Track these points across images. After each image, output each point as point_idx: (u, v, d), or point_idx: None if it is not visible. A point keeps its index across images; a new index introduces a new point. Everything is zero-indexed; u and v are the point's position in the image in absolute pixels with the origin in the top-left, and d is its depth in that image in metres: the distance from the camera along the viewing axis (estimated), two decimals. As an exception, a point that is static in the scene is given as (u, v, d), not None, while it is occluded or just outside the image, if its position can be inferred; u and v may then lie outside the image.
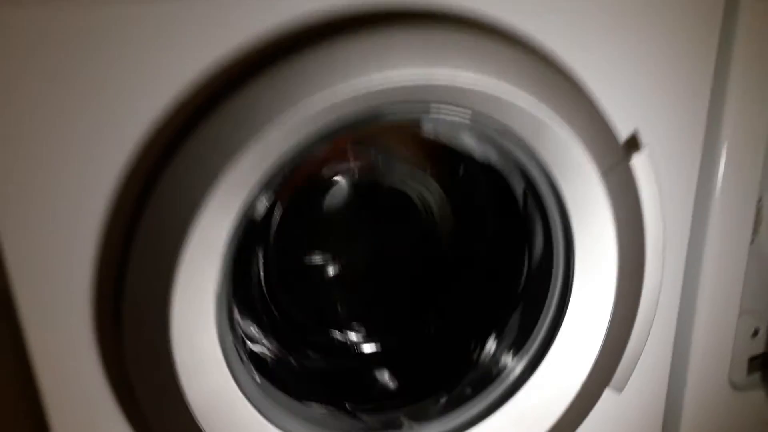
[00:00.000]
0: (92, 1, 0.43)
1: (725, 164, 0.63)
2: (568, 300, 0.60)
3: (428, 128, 0.56)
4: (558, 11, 0.53)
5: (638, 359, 0.63)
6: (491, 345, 0.64)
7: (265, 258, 0.68)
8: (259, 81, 0.45)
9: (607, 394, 0.63)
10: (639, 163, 0.57)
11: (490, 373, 0.62)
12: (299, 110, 0.46)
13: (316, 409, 0.63)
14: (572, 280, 0.59)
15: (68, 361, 0.50)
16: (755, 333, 0.71)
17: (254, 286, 0.68)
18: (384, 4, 0.48)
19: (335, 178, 0.68)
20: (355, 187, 0.69)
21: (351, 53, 0.46)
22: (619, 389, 0.63)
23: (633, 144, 0.58)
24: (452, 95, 0.50)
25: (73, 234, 0.47)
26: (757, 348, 0.72)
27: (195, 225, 0.47)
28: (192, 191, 0.46)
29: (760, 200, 0.66)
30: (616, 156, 0.55)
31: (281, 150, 0.48)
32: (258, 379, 0.59)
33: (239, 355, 0.58)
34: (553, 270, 0.60)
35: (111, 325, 0.50)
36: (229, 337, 0.55)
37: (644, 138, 0.59)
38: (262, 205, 0.57)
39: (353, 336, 0.72)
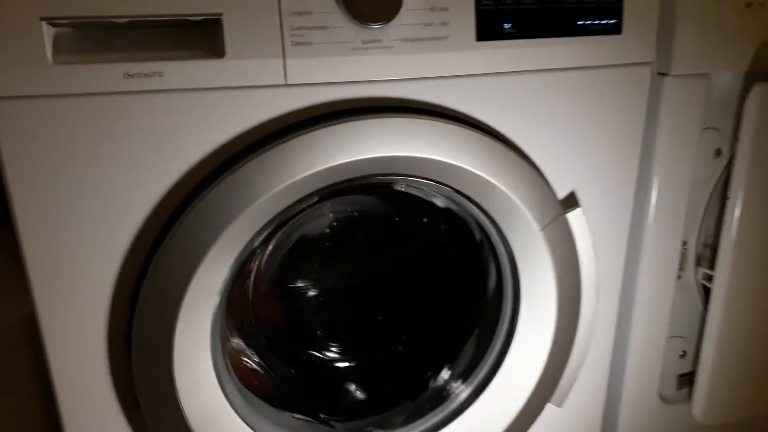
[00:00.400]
0: (119, 96, 0.54)
1: (654, 214, 0.74)
2: (515, 330, 0.71)
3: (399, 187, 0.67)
4: (504, 97, 0.63)
5: (576, 378, 0.74)
6: (445, 372, 0.75)
7: (252, 288, 0.79)
8: (252, 163, 0.56)
9: (549, 409, 0.74)
10: (574, 218, 0.67)
11: (442, 394, 0.74)
12: (285, 189, 0.57)
13: (295, 419, 0.75)
14: (519, 314, 0.70)
15: (83, 378, 0.61)
16: (683, 354, 0.83)
17: (244, 311, 0.79)
18: (358, 98, 0.59)
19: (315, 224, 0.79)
20: (333, 228, 0.80)
21: (330, 140, 0.57)
22: (559, 404, 0.74)
23: (570, 202, 0.69)
24: (416, 169, 0.61)
25: (95, 275, 0.58)
26: (686, 367, 0.83)
27: (195, 275, 0.58)
28: (194, 249, 0.57)
29: (684, 243, 0.77)
30: (554, 213, 0.66)
31: (269, 216, 0.59)
32: (244, 393, 0.70)
33: (229, 374, 0.69)
34: (503, 305, 0.72)
35: (122, 350, 0.61)
36: (222, 362, 0.66)
37: (582, 196, 0.70)
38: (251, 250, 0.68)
39: (329, 354, 0.83)
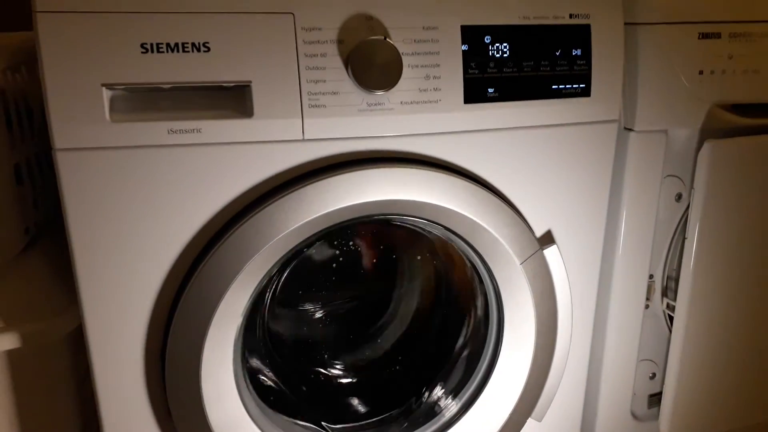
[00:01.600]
0: (164, 148, 0.64)
1: (622, 249, 0.84)
2: (499, 352, 0.80)
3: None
4: (488, 150, 0.73)
5: (554, 394, 0.83)
6: (438, 390, 0.85)
7: (267, 311, 0.88)
8: (274, 205, 0.66)
9: (530, 423, 0.83)
10: (550, 254, 0.77)
11: (434, 409, 0.83)
12: (301, 227, 0.67)
13: (302, 427, 0.84)
14: (502, 338, 0.80)
15: (122, 387, 0.71)
16: (653, 376, 0.92)
17: (260, 332, 0.89)
18: (364, 151, 0.69)
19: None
20: (338, 261, 0.90)
21: (340, 186, 0.67)
22: (539, 419, 0.83)
23: (547, 240, 0.79)
24: (413, 210, 0.71)
25: (137, 297, 0.68)
26: (656, 388, 0.92)
27: (223, 299, 0.67)
28: (223, 277, 0.67)
29: (651, 276, 0.87)
30: (532, 249, 0.76)
31: (286, 249, 0.69)
32: (260, 404, 0.79)
33: (247, 387, 0.78)
34: (488, 330, 0.81)
35: (157, 363, 0.71)
36: (241, 374, 0.76)
37: (557, 234, 0.80)
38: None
39: (333, 371, 0.93)
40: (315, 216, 0.67)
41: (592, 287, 0.84)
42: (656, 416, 0.92)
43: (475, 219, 0.72)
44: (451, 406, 0.83)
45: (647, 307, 0.88)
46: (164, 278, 0.68)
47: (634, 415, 0.92)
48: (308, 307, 0.92)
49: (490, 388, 0.81)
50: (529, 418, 0.83)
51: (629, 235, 0.83)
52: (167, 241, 0.67)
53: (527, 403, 0.82)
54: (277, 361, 0.89)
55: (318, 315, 0.93)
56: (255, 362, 0.85)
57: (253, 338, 0.85)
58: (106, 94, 0.62)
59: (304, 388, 0.89)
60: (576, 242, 0.81)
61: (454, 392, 0.83)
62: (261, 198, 0.67)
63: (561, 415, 0.88)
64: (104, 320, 0.68)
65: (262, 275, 0.69)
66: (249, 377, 0.81)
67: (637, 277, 0.85)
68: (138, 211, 0.65)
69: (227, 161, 0.66)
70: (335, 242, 0.88)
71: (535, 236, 0.77)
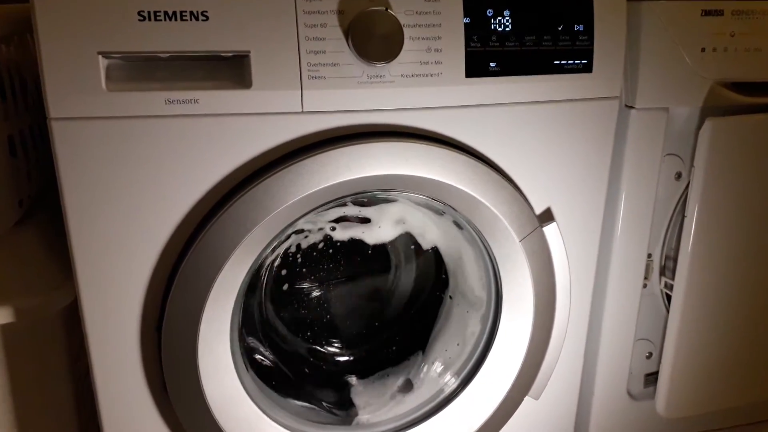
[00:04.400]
0: (161, 119, 0.63)
1: (621, 228, 0.83)
2: (497, 329, 0.80)
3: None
4: (489, 125, 0.73)
5: (552, 373, 0.83)
6: (437, 365, 0.85)
7: (265, 290, 0.88)
8: (272, 178, 0.65)
9: (528, 402, 0.83)
10: (549, 232, 0.77)
11: (434, 385, 0.83)
12: (299, 201, 0.66)
13: (300, 405, 0.83)
14: (500, 315, 0.79)
15: (118, 362, 0.70)
16: (650, 355, 0.92)
17: (257, 311, 0.88)
18: (363, 124, 0.68)
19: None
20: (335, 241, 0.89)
21: (339, 160, 0.66)
22: (536, 397, 0.84)
23: (546, 217, 0.78)
24: (413, 186, 0.70)
25: (133, 270, 0.67)
26: (652, 367, 0.93)
27: (220, 273, 0.67)
28: (220, 250, 0.66)
29: (650, 256, 0.87)
30: (531, 227, 0.76)
31: (285, 224, 0.68)
32: (257, 382, 0.79)
33: (245, 364, 0.77)
34: (487, 307, 0.81)
35: (153, 338, 0.70)
36: (238, 351, 0.75)
37: (557, 212, 0.79)
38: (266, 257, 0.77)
39: (331, 348, 0.92)
40: (313, 190, 0.66)
41: (591, 266, 0.84)
42: (652, 395, 0.92)
43: (474, 195, 0.72)
44: (450, 382, 0.83)
45: (645, 286, 0.88)
46: (161, 251, 0.67)
47: (630, 395, 0.92)
48: (306, 285, 0.92)
49: (488, 365, 0.81)
50: (527, 397, 0.83)
51: (628, 213, 0.83)
52: (164, 214, 0.66)
53: (524, 381, 0.82)
54: (275, 339, 0.89)
55: (316, 293, 0.92)
56: (252, 341, 0.85)
57: (251, 316, 0.85)
58: (102, 62, 0.61)
59: (303, 367, 0.89)
60: (575, 221, 0.81)
61: (453, 369, 0.83)
62: (259, 171, 0.67)
63: (558, 394, 0.88)
64: (100, 294, 0.67)
65: (260, 250, 0.68)
66: (247, 356, 0.80)
67: (636, 256, 0.85)
68: (134, 183, 0.65)
69: (225, 133, 0.65)
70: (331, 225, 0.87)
71: (534, 213, 0.76)
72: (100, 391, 0.71)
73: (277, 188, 0.65)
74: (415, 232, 0.86)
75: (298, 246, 0.86)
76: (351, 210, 0.84)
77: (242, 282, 0.69)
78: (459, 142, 0.73)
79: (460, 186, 0.71)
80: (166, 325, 0.68)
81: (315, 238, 0.87)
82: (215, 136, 0.65)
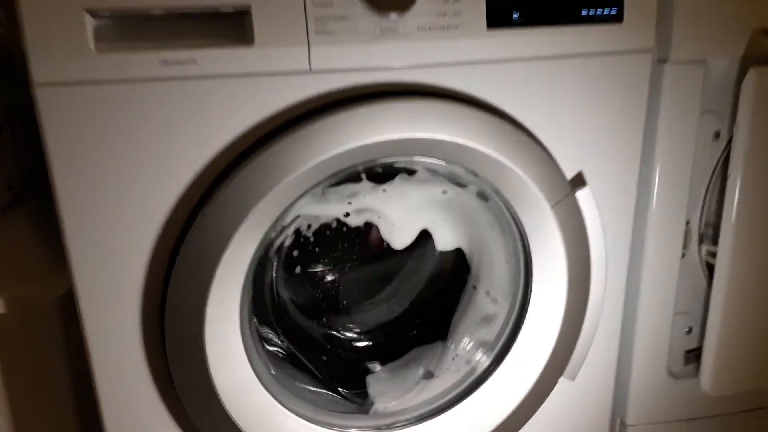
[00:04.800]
0: (156, 82, 0.58)
1: (657, 192, 0.77)
2: (528, 306, 0.74)
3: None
4: (514, 82, 0.67)
5: (588, 351, 0.77)
6: (466, 342, 0.79)
7: (277, 274, 0.82)
8: (279, 145, 0.59)
9: (562, 382, 0.77)
10: (582, 197, 0.71)
11: (465, 364, 0.77)
12: (310, 169, 0.61)
13: (317, 394, 0.78)
14: (531, 290, 0.73)
15: (119, 353, 0.65)
16: (689, 330, 0.86)
17: (269, 296, 0.82)
18: (377, 83, 0.62)
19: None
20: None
21: (352, 123, 0.60)
22: (572, 377, 0.77)
23: (578, 182, 0.72)
24: (433, 151, 0.64)
25: (132, 249, 0.62)
26: (692, 343, 0.86)
27: (227, 250, 0.61)
28: (226, 224, 0.60)
29: (688, 223, 0.81)
30: (563, 192, 0.70)
31: (295, 195, 0.62)
32: (272, 370, 0.73)
33: (257, 351, 0.72)
34: (517, 282, 0.75)
35: (156, 324, 0.64)
36: (250, 337, 0.70)
37: (589, 176, 0.73)
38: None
39: (349, 334, 0.87)
40: (324, 158, 0.60)
41: (626, 234, 0.78)
42: (694, 373, 0.86)
43: (501, 158, 0.66)
44: (482, 360, 0.77)
45: (683, 256, 0.82)
46: (160, 230, 0.62)
47: (670, 373, 0.86)
48: (320, 267, 0.86)
49: (519, 344, 0.75)
50: (562, 377, 0.77)
51: (665, 176, 0.76)
52: (162, 187, 0.60)
53: (559, 361, 0.76)
54: (289, 325, 0.83)
55: (330, 276, 0.87)
56: (264, 329, 0.79)
57: (262, 301, 0.79)
58: (90, 21, 0.55)
59: (320, 354, 0.83)
60: (608, 186, 0.75)
61: (484, 348, 0.77)
62: (264, 138, 0.61)
63: (594, 374, 0.82)
64: (96, 279, 0.62)
65: (269, 225, 0.63)
66: (260, 343, 0.75)
67: (673, 223, 0.79)
68: (129, 154, 0.59)
69: (226, 96, 0.59)
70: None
71: (565, 178, 0.70)
72: (101, 387, 0.66)
73: (285, 156, 0.60)
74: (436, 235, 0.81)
75: (309, 226, 0.81)
76: (365, 187, 0.78)
77: (251, 261, 0.64)
78: (481, 100, 0.66)
79: (484, 149, 0.65)
80: (169, 310, 0.62)
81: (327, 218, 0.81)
82: (216, 100, 0.59)
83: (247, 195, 0.60)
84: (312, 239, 0.81)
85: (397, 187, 0.74)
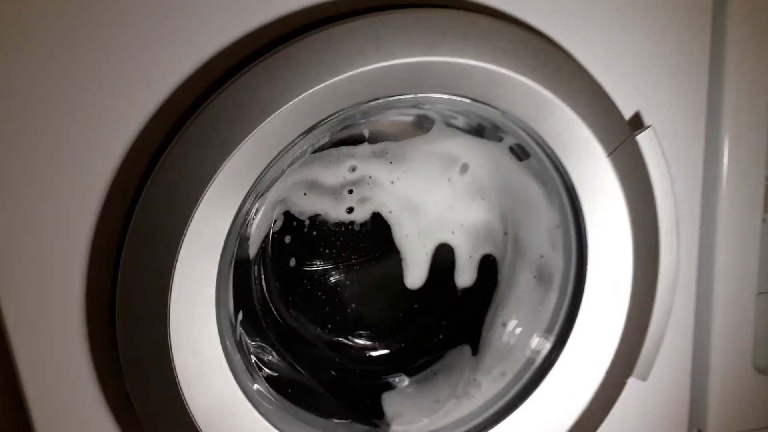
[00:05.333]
0: None
1: (729, 146, 0.62)
2: (583, 289, 0.59)
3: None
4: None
5: (661, 343, 0.61)
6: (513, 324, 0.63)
7: (265, 269, 0.66)
8: (255, 72, 0.45)
9: (632, 383, 0.61)
10: (645, 141, 0.56)
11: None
12: (299, 102, 0.46)
13: (332, 422, 0.62)
14: (586, 268, 0.58)
15: (56, 366, 0.49)
16: (776, 314, 0.70)
17: (258, 296, 0.66)
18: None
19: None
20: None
21: (348, 41, 0.46)
22: (644, 377, 0.61)
23: (637, 124, 0.58)
24: (449, 82, 0.50)
25: (63, 230, 0.47)
26: (780, 329, 0.71)
27: (190, 222, 0.46)
28: (185, 189, 0.45)
29: (767, 179, 0.66)
30: (622, 135, 0.55)
31: (281, 144, 0.47)
32: (262, 386, 0.58)
33: (242, 357, 0.56)
34: (564, 256, 0.60)
35: (104, 327, 0.49)
36: (233, 343, 0.54)
37: (646, 120, 0.58)
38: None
39: (359, 341, 0.70)
40: (314, 89, 0.46)
41: (695, 194, 0.63)
42: (786, 368, 0.70)
43: (544, 92, 0.51)
44: (532, 363, 0.60)
45: (764, 220, 0.67)
46: (105, 195, 0.47)
47: (757, 368, 0.69)
48: (320, 261, 0.70)
49: (577, 336, 0.59)
50: (631, 377, 0.61)
51: (736, 118, 0.62)
52: (104, 141, 0.46)
53: (627, 357, 0.60)
54: (285, 332, 0.67)
55: (334, 270, 0.71)
56: (254, 339, 0.63)
57: (249, 301, 0.64)
58: None
59: (325, 368, 0.67)
60: (671, 130, 0.60)
61: (532, 345, 0.61)
62: (240, 64, 0.46)
63: (668, 371, 0.66)
64: (21, 273, 0.47)
65: (245, 191, 0.48)
66: (245, 350, 0.59)
67: (750, 180, 0.64)
68: (55, 93, 0.44)
69: (185, 6, 0.45)
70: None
71: (624, 118, 0.56)
72: (36, 418, 0.50)
73: (262, 88, 0.45)
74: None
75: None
76: (364, 151, 0.63)
77: (226, 240, 0.48)
78: (516, 17, 0.52)
79: (524, 78, 0.50)
80: (120, 310, 0.47)
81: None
82: (170, 11, 0.45)
83: (213, 146, 0.45)
84: (308, 222, 0.66)
85: (406, 173, 0.59)
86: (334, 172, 0.63)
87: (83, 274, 0.48)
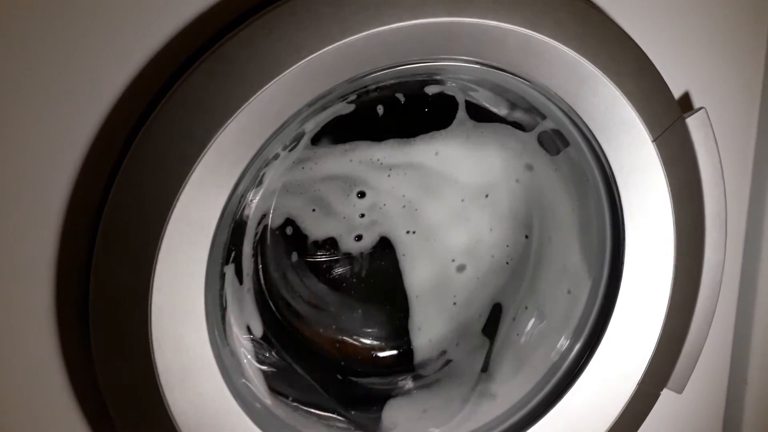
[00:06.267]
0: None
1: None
2: (618, 290, 0.52)
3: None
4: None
5: (699, 353, 0.55)
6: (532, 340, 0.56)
7: (263, 258, 0.60)
8: (255, 28, 0.38)
9: (666, 397, 0.55)
10: (696, 125, 0.50)
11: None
12: (305, 66, 0.40)
13: (330, 426, 0.56)
14: (622, 263, 0.52)
15: (20, 366, 0.43)
16: (821, 321, 0.64)
17: (255, 290, 0.60)
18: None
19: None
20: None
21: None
22: (679, 389, 0.55)
23: (686, 106, 0.51)
24: (478, 48, 0.43)
25: (30, 213, 0.40)
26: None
27: (178, 203, 0.40)
28: (174, 162, 0.39)
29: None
30: (671, 117, 0.49)
31: (283, 114, 0.41)
32: (257, 387, 0.52)
33: (236, 362, 0.50)
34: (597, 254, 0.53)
35: (75, 322, 0.43)
36: (223, 340, 0.48)
37: (697, 100, 0.52)
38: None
39: (366, 341, 0.64)
40: (324, 50, 0.39)
41: (743, 187, 0.57)
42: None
43: (587, 64, 0.45)
44: (558, 367, 0.54)
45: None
46: (77, 171, 0.40)
47: (800, 380, 0.64)
48: (325, 251, 0.64)
49: (609, 340, 0.52)
50: (665, 389, 0.55)
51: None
52: (77, 113, 0.39)
53: (662, 366, 0.54)
54: (284, 329, 0.61)
55: (340, 262, 0.64)
56: (247, 335, 0.57)
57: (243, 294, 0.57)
58: None
59: (328, 371, 0.61)
60: (721, 116, 0.54)
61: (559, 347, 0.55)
62: (238, 18, 0.40)
63: (705, 382, 0.60)
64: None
65: (244, 165, 0.41)
66: (238, 347, 0.53)
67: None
68: (23, 55, 0.38)
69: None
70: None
71: (674, 97, 0.49)
72: (1, 419, 0.44)
73: (260, 47, 0.39)
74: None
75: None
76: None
77: (218, 224, 0.42)
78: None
79: (564, 47, 0.44)
80: (94, 303, 0.41)
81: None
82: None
83: (203, 115, 0.39)
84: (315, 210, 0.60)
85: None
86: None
87: (52, 262, 0.41)
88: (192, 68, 0.38)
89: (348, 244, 0.61)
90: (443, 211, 0.61)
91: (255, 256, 0.58)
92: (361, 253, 0.63)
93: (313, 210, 0.58)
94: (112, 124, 0.40)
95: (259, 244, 0.58)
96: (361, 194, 0.59)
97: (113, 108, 0.39)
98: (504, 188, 0.61)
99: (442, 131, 0.57)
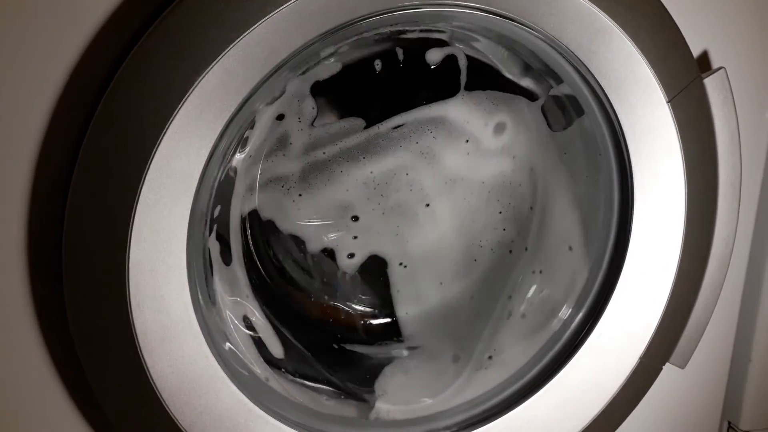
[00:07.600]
0: None
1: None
2: (624, 259, 0.50)
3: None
4: None
5: (704, 328, 0.53)
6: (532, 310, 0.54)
7: (251, 218, 0.57)
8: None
9: (667, 372, 0.53)
10: (714, 86, 0.47)
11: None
12: (294, 6, 0.36)
13: (318, 394, 0.54)
14: (629, 231, 0.49)
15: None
16: (829, 299, 0.62)
17: (241, 252, 0.57)
18: None
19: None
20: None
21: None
22: (682, 364, 0.53)
23: (704, 66, 0.48)
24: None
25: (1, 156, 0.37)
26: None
27: (157, 153, 0.37)
28: (152, 108, 0.36)
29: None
30: (688, 77, 0.45)
31: (272, 59, 0.38)
32: (246, 353, 0.49)
33: (220, 324, 0.48)
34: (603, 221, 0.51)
35: (49, 281, 0.41)
36: (207, 300, 0.46)
37: (716, 59, 0.49)
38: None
39: (358, 307, 0.62)
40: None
41: (759, 155, 0.54)
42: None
43: (602, 16, 0.42)
44: (559, 337, 0.52)
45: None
46: (48, 118, 0.37)
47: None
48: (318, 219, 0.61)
49: (612, 311, 0.50)
50: (667, 364, 0.53)
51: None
52: (52, 46, 0.36)
53: (665, 341, 0.52)
54: (275, 296, 0.59)
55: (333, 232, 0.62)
56: (235, 297, 0.55)
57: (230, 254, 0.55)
58: None
59: (325, 340, 0.59)
60: (741, 74, 0.51)
61: (561, 316, 0.53)
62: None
63: (707, 359, 0.58)
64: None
65: (230, 113, 0.38)
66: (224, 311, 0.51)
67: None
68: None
69: None
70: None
71: (692, 56, 0.46)
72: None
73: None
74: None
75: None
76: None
77: (202, 176, 0.39)
78: None
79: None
80: (67, 260, 0.38)
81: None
82: None
83: (185, 57, 0.36)
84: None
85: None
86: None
87: (23, 219, 0.39)
88: (172, 5, 0.35)
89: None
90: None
91: (243, 217, 0.56)
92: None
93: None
94: (85, 67, 0.37)
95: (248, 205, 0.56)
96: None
97: (86, 50, 0.36)
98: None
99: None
